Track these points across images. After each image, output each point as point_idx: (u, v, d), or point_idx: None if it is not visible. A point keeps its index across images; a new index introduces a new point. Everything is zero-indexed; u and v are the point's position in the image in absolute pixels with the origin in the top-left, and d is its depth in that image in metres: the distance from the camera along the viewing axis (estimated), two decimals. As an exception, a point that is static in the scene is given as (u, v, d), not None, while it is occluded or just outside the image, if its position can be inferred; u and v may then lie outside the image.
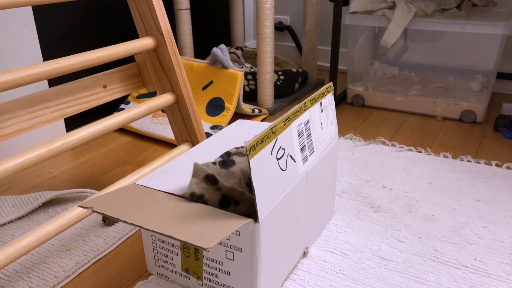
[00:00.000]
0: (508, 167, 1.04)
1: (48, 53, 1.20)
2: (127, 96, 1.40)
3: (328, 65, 1.79)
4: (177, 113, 0.93)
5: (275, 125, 0.58)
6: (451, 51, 1.40)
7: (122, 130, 1.31)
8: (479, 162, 1.06)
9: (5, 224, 0.85)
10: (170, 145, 1.21)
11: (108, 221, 0.85)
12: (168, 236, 0.50)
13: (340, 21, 1.36)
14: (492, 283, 0.68)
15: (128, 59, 0.99)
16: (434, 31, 1.37)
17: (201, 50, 1.70)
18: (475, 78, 1.38)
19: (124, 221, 0.53)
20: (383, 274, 0.70)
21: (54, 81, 1.17)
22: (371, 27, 1.46)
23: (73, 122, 1.29)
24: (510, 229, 0.81)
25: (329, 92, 0.75)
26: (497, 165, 1.05)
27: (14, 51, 1.07)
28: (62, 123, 1.22)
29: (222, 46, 1.32)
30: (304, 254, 0.74)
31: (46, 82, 1.17)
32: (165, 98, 0.89)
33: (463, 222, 0.83)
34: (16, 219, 0.87)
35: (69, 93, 0.79)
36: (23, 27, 1.08)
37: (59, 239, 0.81)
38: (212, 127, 1.24)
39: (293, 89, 1.52)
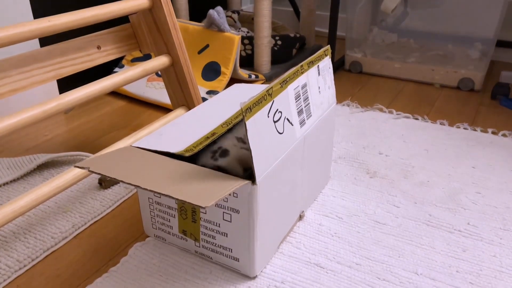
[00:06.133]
0: (504, 135, 1.04)
1: (39, 12, 1.16)
2: (121, 59, 1.37)
3: (327, 31, 1.76)
4: (173, 76, 0.91)
5: (271, 87, 0.57)
6: (452, 18, 1.38)
7: (117, 94, 1.29)
8: (475, 130, 1.06)
9: (0, 186, 0.85)
10: (165, 109, 1.19)
11: (104, 184, 0.84)
12: (166, 196, 0.50)
13: (340, -15, 1.33)
14: (485, 247, 0.69)
15: (122, 20, 0.97)
16: (435, -4, 1.34)
17: (197, 13, 1.66)
18: (475, 45, 1.36)
19: (122, 181, 0.53)
20: (378, 238, 0.71)
21: (45, 42, 1.14)
22: (371, -8, 1.43)
23: (66, 86, 1.26)
24: (503, 195, 0.82)
25: (326, 55, 0.74)
26: (493, 132, 1.05)
27: (2, 9, 1.04)
28: (55, 87, 1.20)
29: (219, 8, 1.28)
30: (300, 217, 0.75)
31: (37, 42, 1.14)
32: (161, 61, 0.87)
33: (458, 188, 0.84)
34: (11, 181, 0.86)
35: (62, 53, 0.77)
36: (13, -15, 1.05)
37: (55, 201, 0.81)
38: (208, 92, 1.22)
39: (290, 54, 1.50)
